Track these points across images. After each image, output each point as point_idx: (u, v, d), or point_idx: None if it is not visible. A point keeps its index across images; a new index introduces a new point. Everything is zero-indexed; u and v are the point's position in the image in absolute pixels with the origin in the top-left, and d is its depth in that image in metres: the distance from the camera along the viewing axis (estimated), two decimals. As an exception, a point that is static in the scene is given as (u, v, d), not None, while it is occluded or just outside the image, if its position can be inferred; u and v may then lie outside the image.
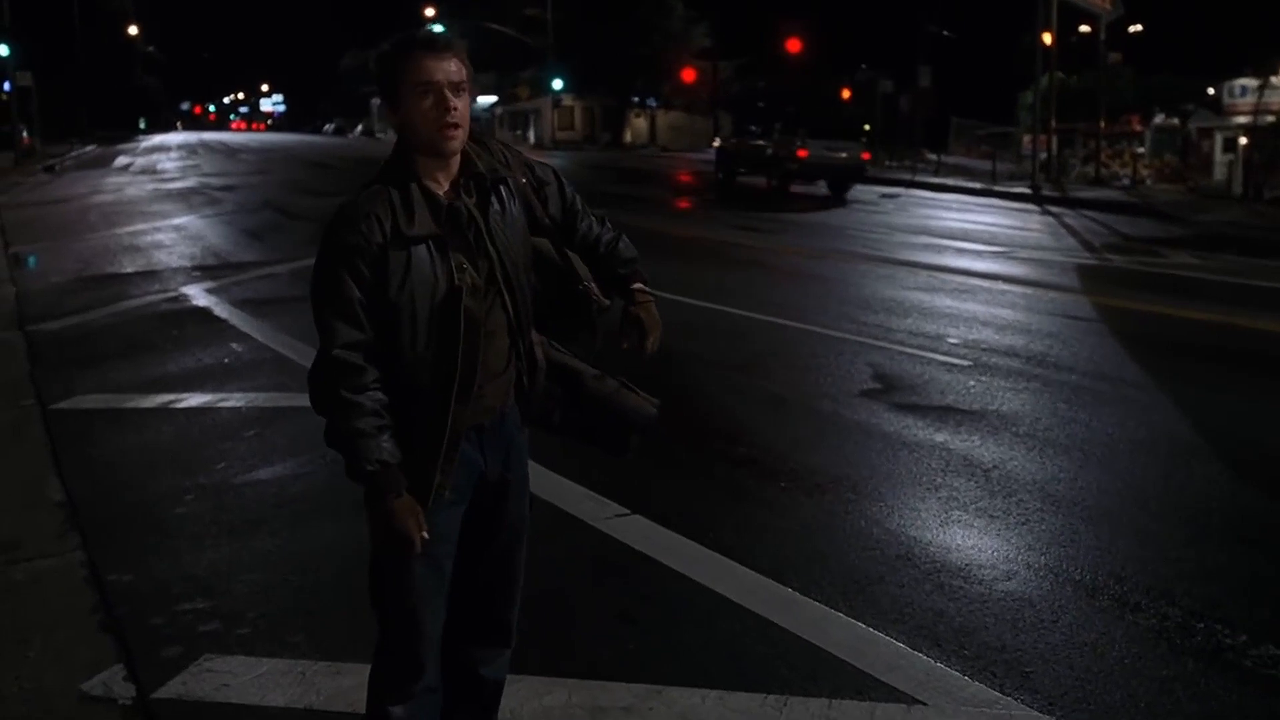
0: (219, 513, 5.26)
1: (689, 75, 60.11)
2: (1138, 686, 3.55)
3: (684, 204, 25.14)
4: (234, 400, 7.22)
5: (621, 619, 4.09)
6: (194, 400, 7.25)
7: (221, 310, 10.37)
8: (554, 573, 4.44)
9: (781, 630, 3.93)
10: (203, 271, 12.94)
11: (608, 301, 2.84)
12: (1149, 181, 30.23)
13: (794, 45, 43.40)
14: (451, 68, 2.49)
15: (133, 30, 79.38)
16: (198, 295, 11.27)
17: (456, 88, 2.49)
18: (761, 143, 27.27)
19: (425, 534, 2.49)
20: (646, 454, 6.05)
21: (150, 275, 12.81)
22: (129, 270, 13.31)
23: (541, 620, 4.02)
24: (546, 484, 5.32)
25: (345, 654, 3.79)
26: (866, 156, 27.59)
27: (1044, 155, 29.50)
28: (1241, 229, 19.75)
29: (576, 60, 58.13)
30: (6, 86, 40.56)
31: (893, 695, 3.48)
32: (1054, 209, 23.37)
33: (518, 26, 61.19)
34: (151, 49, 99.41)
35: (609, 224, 2.92)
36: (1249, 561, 4.56)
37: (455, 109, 2.48)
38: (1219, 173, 27.37)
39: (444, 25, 66.17)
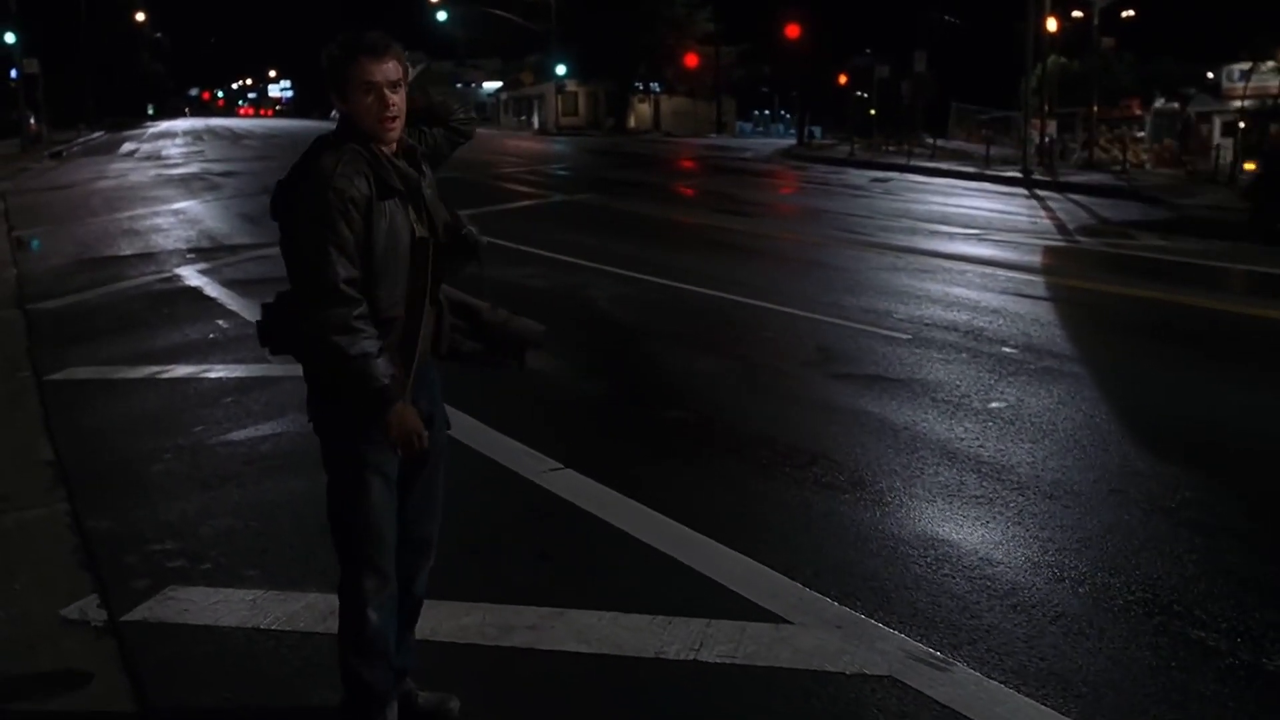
0: (193, 469, 5.77)
1: (692, 60, 60.47)
2: (982, 610, 4.03)
3: (684, 190, 25.54)
4: (216, 371, 7.73)
5: (540, 557, 4.59)
6: (179, 371, 7.76)
7: (212, 290, 10.88)
8: (486, 518, 4.94)
9: (680, 565, 4.42)
10: (197, 254, 13.46)
11: (485, 240, 3.30)
12: (1148, 166, 30.56)
13: (792, 31, 43.65)
14: (390, 68, 2.90)
15: (140, 17, 79.85)
16: (190, 276, 11.79)
17: (394, 85, 2.90)
18: None
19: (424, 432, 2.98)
20: (585, 414, 6.60)
21: (147, 257, 13.35)
22: (126, 253, 13.85)
23: (469, 557, 4.53)
24: (488, 440, 5.83)
25: (293, 585, 4.31)
26: None
27: (1045, 139, 29.80)
28: (1222, 212, 20.05)
29: (580, 46, 58.48)
30: (13, 74, 41.11)
31: (767, 616, 3.97)
32: (1042, 193, 23.71)
33: (521, 12, 61.52)
34: (159, 35, 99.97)
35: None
36: (1111, 508, 5.03)
37: (394, 104, 2.90)
38: (1224, 156, 27.61)
39: (447, 11, 66.53)
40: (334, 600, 3.91)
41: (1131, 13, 40.86)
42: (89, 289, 11.21)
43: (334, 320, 2.82)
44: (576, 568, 4.48)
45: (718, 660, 3.68)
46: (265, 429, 6.38)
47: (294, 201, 2.92)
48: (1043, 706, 3.38)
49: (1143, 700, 3.42)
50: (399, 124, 2.95)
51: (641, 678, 3.62)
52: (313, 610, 4.05)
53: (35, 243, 15.19)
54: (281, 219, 2.98)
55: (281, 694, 3.58)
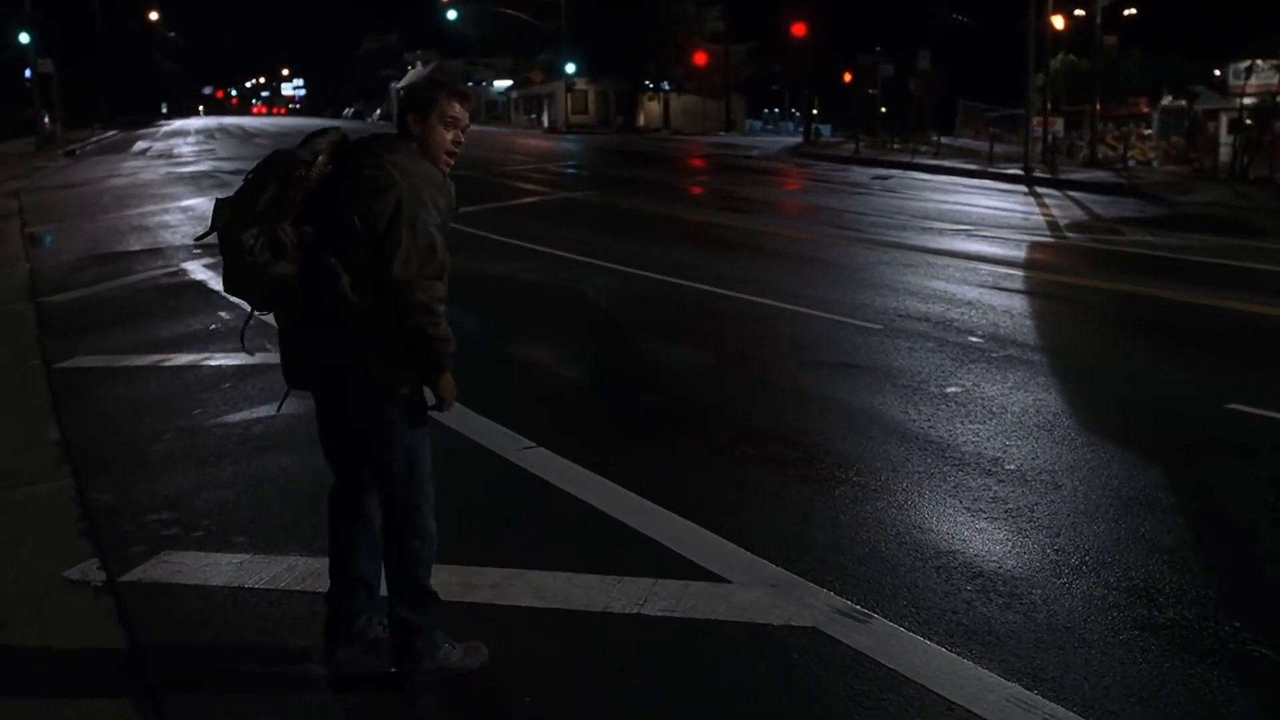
0: (190, 448, 6.15)
1: (701, 59, 60.72)
2: (905, 570, 4.38)
3: (687, 187, 25.87)
4: (216, 360, 8.11)
5: (506, 524, 4.96)
6: (181, 359, 8.15)
7: (216, 283, 11.25)
8: (458, 491, 5.26)
9: (636, 532, 4.77)
10: (203, 249, 13.80)
11: None
12: (1155, 163, 30.70)
13: (799, 29, 43.95)
14: (467, 114, 3.55)
15: (153, 16, 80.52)
16: (196, 270, 12.21)
17: (465, 130, 3.56)
18: None
19: None
20: (564, 399, 6.96)
21: (154, 253, 13.78)
22: (135, 248, 14.29)
23: (439, 526, 4.85)
24: (469, 422, 6.18)
25: (277, 550, 4.68)
26: None
27: (1050, 138, 30.00)
28: (1218, 209, 20.30)
29: (590, 44, 58.82)
30: (28, 74, 41.69)
31: (709, 576, 4.33)
32: (1042, 190, 23.92)
33: (531, 11, 61.95)
34: (172, 34, 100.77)
35: None
36: (1042, 483, 5.36)
37: (461, 143, 3.56)
38: (1224, 154, 27.77)
39: (458, 10, 66.89)
40: (313, 562, 4.32)
41: (1133, 11, 41.00)
42: (98, 283, 11.64)
43: (438, 293, 3.37)
44: (539, 534, 4.84)
45: (659, 614, 4.03)
46: (260, 412, 6.75)
47: (399, 189, 3.29)
48: (949, 653, 3.72)
49: (1035, 647, 3.76)
50: (455, 161, 3.56)
51: (589, 629, 3.97)
52: (293, 571, 4.43)
53: (48, 239, 15.65)
54: (372, 208, 3.29)
55: (263, 642, 3.95)
